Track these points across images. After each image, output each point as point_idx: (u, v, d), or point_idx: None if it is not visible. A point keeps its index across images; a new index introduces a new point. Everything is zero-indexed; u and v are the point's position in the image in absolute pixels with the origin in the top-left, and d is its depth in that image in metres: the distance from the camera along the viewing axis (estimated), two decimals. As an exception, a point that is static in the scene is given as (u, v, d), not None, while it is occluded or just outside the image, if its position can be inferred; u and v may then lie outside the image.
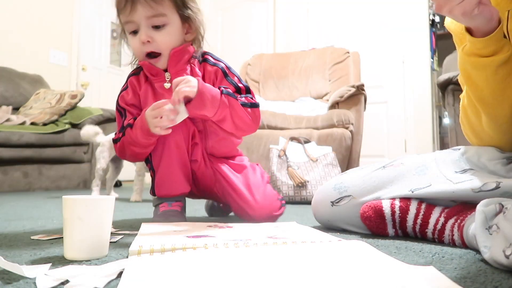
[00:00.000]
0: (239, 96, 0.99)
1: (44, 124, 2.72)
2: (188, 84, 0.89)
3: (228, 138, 1.09)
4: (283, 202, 1.15)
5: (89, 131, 1.95)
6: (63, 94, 2.94)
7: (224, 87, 0.96)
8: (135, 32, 0.98)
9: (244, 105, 0.98)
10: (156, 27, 0.97)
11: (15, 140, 2.45)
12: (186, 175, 1.05)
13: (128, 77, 1.09)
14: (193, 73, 1.03)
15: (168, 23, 0.98)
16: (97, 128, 1.98)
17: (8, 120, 2.68)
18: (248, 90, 1.03)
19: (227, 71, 1.04)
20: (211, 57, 1.07)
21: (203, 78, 1.03)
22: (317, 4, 4.35)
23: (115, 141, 1.04)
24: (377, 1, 4.07)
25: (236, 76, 1.04)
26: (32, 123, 2.71)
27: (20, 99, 3.06)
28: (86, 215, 0.64)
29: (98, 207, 0.65)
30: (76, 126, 2.82)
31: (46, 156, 2.64)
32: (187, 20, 1.01)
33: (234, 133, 1.02)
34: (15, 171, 2.53)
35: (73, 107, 2.90)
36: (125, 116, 1.06)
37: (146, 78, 1.06)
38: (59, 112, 2.82)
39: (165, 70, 1.03)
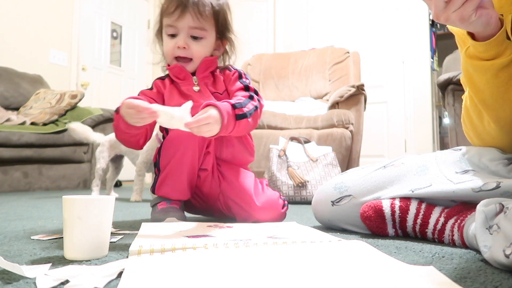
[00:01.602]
0: (247, 100, 1.03)
1: (44, 124, 2.72)
2: (209, 129, 0.88)
3: (242, 151, 1.15)
4: (286, 202, 1.14)
5: (76, 129, 1.98)
6: (63, 94, 2.94)
7: (237, 106, 0.97)
8: (172, 36, 1.07)
9: (250, 114, 0.99)
10: (194, 38, 1.07)
11: (15, 140, 2.45)
12: (190, 184, 1.06)
13: (153, 81, 1.16)
14: (215, 81, 1.14)
15: (205, 37, 1.08)
16: (85, 127, 2.03)
17: (8, 120, 2.68)
18: (256, 92, 1.10)
19: (242, 75, 1.15)
20: (231, 66, 1.19)
21: (224, 82, 1.14)
22: (317, 4, 4.36)
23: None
24: (377, 1, 4.07)
25: (248, 79, 1.15)
26: (32, 123, 2.71)
27: (20, 99, 3.06)
28: (86, 215, 0.64)
29: (98, 207, 0.65)
30: (76, 126, 2.82)
31: (46, 156, 2.64)
32: (221, 39, 1.14)
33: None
34: (15, 171, 2.53)
35: (73, 107, 2.91)
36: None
37: (171, 81, 1.13)
38: (59, 112, 2.82)
39: (193, 74, 1.11)
